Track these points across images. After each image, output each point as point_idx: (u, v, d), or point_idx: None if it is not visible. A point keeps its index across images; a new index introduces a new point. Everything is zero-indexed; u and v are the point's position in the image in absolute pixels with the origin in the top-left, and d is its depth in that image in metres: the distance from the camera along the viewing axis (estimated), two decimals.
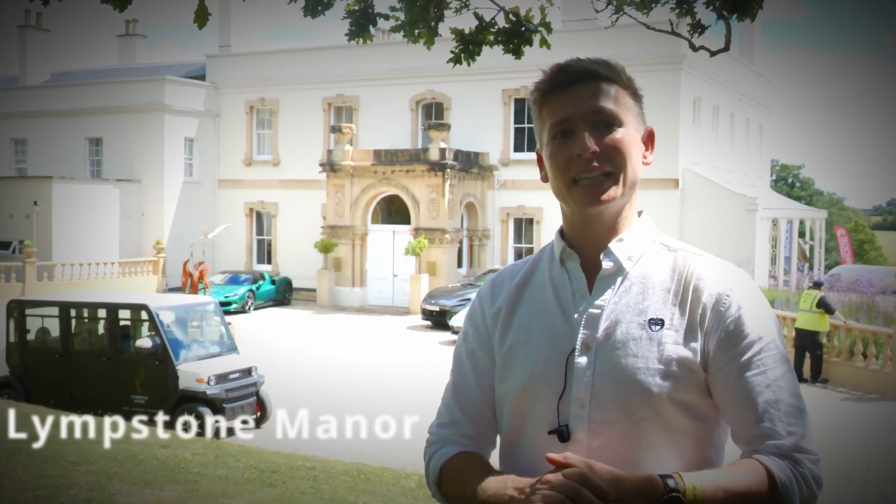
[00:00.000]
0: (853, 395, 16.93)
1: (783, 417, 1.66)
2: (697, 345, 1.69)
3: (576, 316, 1.76)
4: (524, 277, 1.88)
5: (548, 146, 1.78)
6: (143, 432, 10.92)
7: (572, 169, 1.73)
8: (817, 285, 18.26)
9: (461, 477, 1.78)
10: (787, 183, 74.78)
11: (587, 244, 1.79)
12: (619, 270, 1.76)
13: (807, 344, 17.79)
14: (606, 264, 1.77)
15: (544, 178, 1.83)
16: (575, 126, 1.74)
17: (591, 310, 1.75)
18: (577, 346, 1.73)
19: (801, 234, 37.81)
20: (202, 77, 39.91)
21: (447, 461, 1.83)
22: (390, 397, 16.80)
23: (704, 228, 30.17)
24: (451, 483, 1.81)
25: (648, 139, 1.84)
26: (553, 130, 1.76)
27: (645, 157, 1.82)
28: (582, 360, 1.72)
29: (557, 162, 1.76)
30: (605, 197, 1.73)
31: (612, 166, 1.73)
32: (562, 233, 1.84)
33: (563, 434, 1.69)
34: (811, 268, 36.60)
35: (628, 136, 1.76)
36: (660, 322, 1.70)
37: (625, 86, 1.79)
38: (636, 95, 1.82)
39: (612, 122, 1.74)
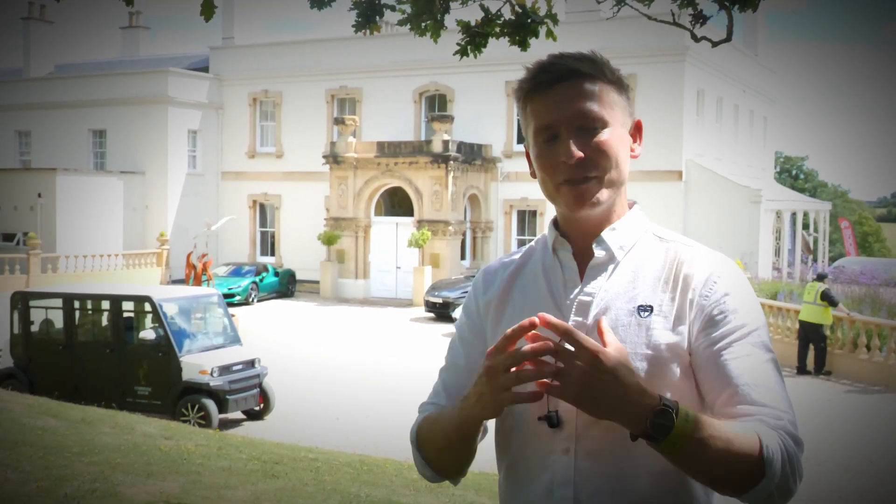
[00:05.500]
0: (857, 387, 16.92)
1: (770, 400, 1.63)
2: (685, 330, 1.70)
3: (567, 303, 1.77)
4: (517, 267, 1.90)
5: (534, 147, 1.78)
6: (147, 423, 10.96)
7: (559, 174, 1.74)
8: (821, 277, 18.23)
9: (429, 425, 1.83)
10: (791, 175, 74.68)
11: (580, 234, 1.80)
12: (610, 259, 1.77)
13: (810, 336, 17.79)
14: (598, 253, 1.77)
15: (533, 174, 1.84)
16: (559, 130, 1.73)
17: (582, 297, 1.76)
18: None
19: (805, 226, 37.77)
20: (205, 69, 39.89)
21: (422, 419, 1.87)
22: (393, 389, 16.83)
23: (708, 220, 30.15)
24: (425, 440, 1.85)
25: (636, 131, 1.83)
26: (538, 134, 1.76)
27: (633, 150, 1.82)
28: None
29: (543, 164, 1.76)
30: (591, 200, 1.74)
31: (598, 170, 1.73)
32: (555, 223, 1.85)
33: (552, 420, 1.70)
34: (815, 260, 36.56)
35: (614, 135, 1.75)
36: (648, 308, 1.71)
37: (609, 81, 1.76)
38: (621, 88, 1.79)
39: (597, 124, 1.73)
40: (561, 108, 1.72)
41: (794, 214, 35.44)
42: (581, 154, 1.71)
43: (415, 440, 1.87)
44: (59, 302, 15.43)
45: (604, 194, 1.74)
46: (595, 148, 1.72)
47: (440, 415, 1.81)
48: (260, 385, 14.68)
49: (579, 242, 1.80)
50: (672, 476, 1.69)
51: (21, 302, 15.47)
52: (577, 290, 1.77)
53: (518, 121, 27.25)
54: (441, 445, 1.80)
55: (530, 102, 1.77)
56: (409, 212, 32.46)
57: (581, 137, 1.72)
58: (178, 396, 13.93)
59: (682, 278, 1.73)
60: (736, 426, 1.58)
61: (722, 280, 1.72)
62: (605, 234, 1.78)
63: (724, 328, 1.68)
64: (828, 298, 17.34)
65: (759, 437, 1.56)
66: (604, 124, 1.73)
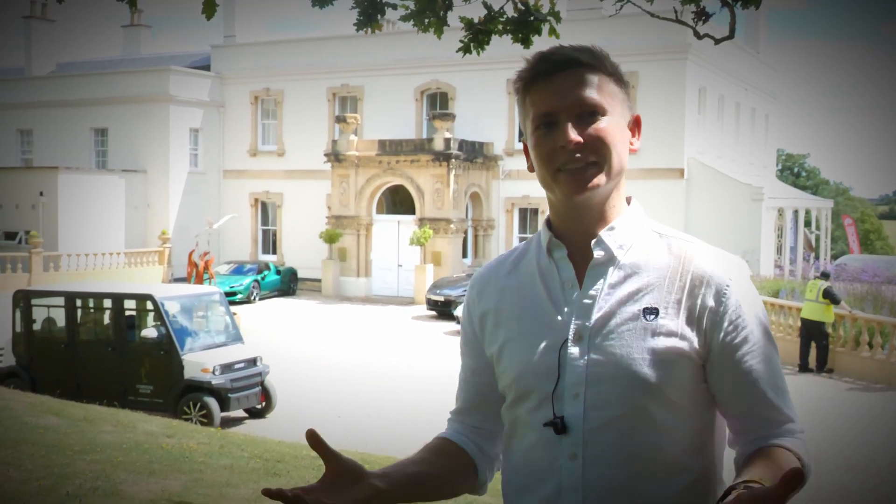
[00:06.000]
0: (859, 385, 16.91)
1: (786, 403, 1.70)
2: (693, 334, 1.68)
3: (567, 307, 1.74)
4: (510, 270, 1.87)
5: (532, 136, 1.76)
6: (148, 422, 10.96)
7: (556, 160, 1.71)
8: (824, 276, 18.23)
9: None
10: (793, 172, 74.65)
11: (575, 233, 1.77)
12: (610, 259, 1.74)
13: (812, 334, 17.78)
14: (598, 253, 1.74)
15: (530, 168, 1.82)
16: (558, 118, 1.71)
17: (583, 300, 1.73)
18: (570, 337, 1.71)
19: (807, 224, 37.75)
20: (207, 67, 39.90)
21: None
22: (395, 387, 16.84)
23: (710, 218, 30.13)
24: None
25: (635, 125, 1.81)
26: (536, 122, 1.74)
27: (631, 144, 1.79)
28: (574, 350, 1.70)
29: (541, 152, 1.74)
30: (590, 184, 1.71)
31: (596, 156, 1.71)
32: (548, 223, 1.82)
33: (558, 426, 1.69)
34: (817, 257, 36.55)
35: (612, 124, 1.73)
36: (654, 311, 1.69)
37: (609, 73, 1.75)
38: (621, 82, 1.78)
39: (596, 111, 1.71)
40: (560, 95, 1.71)
41: (795, 212, 35.42)
42: (580, 139, 1.69)
43: None
44: (61, 300, 15.43)
45: (602, 179, 1.71)
46: (593, 134, 1.70)
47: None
48: (262, 383, 14.68)
49: (576, 242, 1.77)
50: (679, 481, 1.69)
51: (23, 300, 15.47)
52: (576, 293, 1.74)
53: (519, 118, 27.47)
54: None
55: (529, 92, 1.76)
56: (410, 210, 32.46)
57: (579, 124, 1.71)
58: (179, 394, 13.94)
59: (689, 279, 1.71)
60: (783, 457, 1.62)
61: (734, 283, 1.71)
62: (604, 234, 1.75)
63: (744, 336, 1.69)
64: (830, 296, 17.34)
65: (800, 457, 1.64)
66: (603, 112, 1.72)
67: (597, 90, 1.72)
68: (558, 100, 1.71)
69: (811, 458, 1.67)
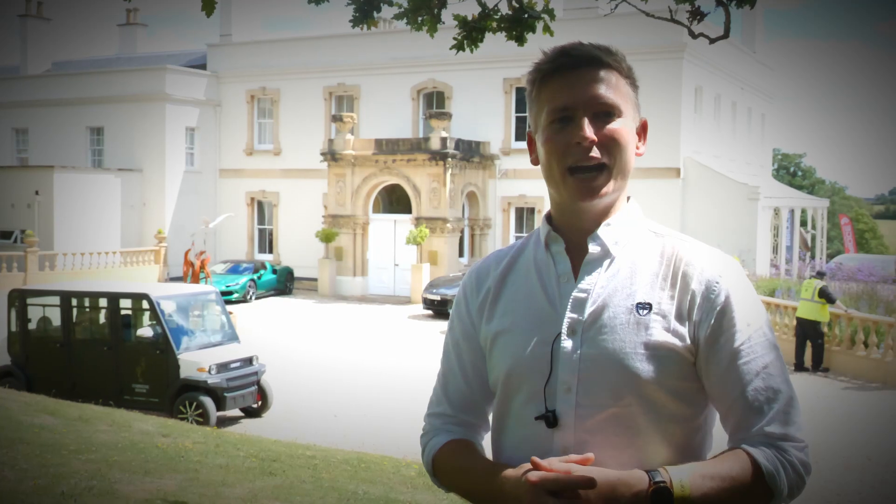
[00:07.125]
0: (854, 384, 16.93)
1: (772, 405, 1.66)
2: (685, 330, 1.69)
3: (561, 300, 1.75)
4: (508, 263, 1.87)
5: (544, 130, 1.76)
6: (144, 421, 10.95)
7: (569, 156, 1.72)
8: (819, 275, 18.26)
9: (452, 467, 1.81)
10: (789, 172, 74.74)
11: (574, 229, 1.78)
12: (605, 255, 1.75)
13: (808, 333, 17.81)
14: (593, 248, 1.76)
15: (534, 161, 1.82)
16: (574, 113, 1.72)
17: (576, 294, 1.73)
18: (563, 330, 1.72)
19: (803, 224, 37.77)
20: (203, 66, 39.85)
21: (438, 450, 1.86)
22: (391, 386, 16.82)
23: (706, 217, 30.15)
24: (444, 472, 1.84)
25: (642, 130, 1.83)
26: (551, 116, 1.75)
27: (637, 148, 1.81)
28: (568, 344, 1.71)
29: (553, 148, 1.74)
30: (600, 192, 1.73)
31: (608, 157, 1.72)
32: (548, 217, 1.83)
33: (549, 420, 1.69)
34: (812, 257, 36.59)
35: (626, 126, 1.75)
36: (647, 306, 1.69)
37: (625, 74, 1.77)
38: (634, 85, 1.80)
39: (612, 111, 1.73)
40: (578, 91, 1.72)
41: (791, 211, 35.45)
42: (595, 137, 1.71)
43: (431, 470, 1.88)
44: (56, 299, 15.39)
45: (610, 186, 1.74)
46: (608, 134, 1.72)
47: (470, 469, 1.78)
48: (258, 382, 14.66)
49: (573, 237, 1.78)
50: None
51: (18, 300, 15.44)
52: (571, 287, 1.75)
53: (516, 118, 27.14)
54: (463, 494, 1.80)
55: (545, 85, 1.76)
56: (407, 209, 32.44)
57: (595, 122, 1.72)
58: (175, 394, 13.91)
59: (681, 276, 1.72)
60: (728, 462, 1.61)
61: (724, 280, 1.71)
62: (601, 230, 1.76)
63: (731, 333, 1.68)
64: (825, 295, 17.36)
65: (759, 463, 1.60)
66: (619, 113, 1.74)
67: (614, 90, 1.74)
68: (576, 95, 1.72)
69: (783, 469, 1.61)
